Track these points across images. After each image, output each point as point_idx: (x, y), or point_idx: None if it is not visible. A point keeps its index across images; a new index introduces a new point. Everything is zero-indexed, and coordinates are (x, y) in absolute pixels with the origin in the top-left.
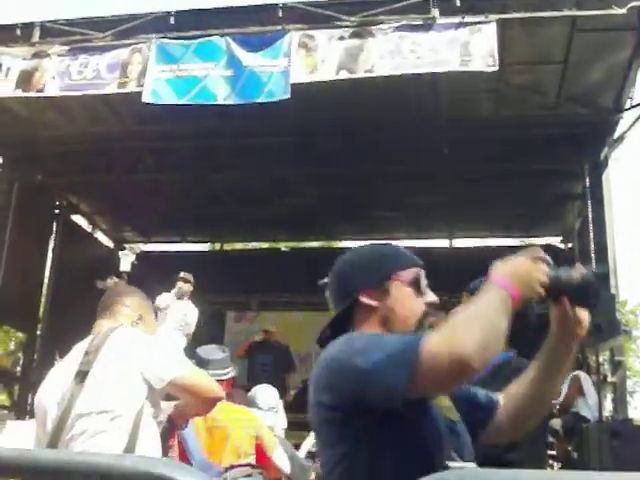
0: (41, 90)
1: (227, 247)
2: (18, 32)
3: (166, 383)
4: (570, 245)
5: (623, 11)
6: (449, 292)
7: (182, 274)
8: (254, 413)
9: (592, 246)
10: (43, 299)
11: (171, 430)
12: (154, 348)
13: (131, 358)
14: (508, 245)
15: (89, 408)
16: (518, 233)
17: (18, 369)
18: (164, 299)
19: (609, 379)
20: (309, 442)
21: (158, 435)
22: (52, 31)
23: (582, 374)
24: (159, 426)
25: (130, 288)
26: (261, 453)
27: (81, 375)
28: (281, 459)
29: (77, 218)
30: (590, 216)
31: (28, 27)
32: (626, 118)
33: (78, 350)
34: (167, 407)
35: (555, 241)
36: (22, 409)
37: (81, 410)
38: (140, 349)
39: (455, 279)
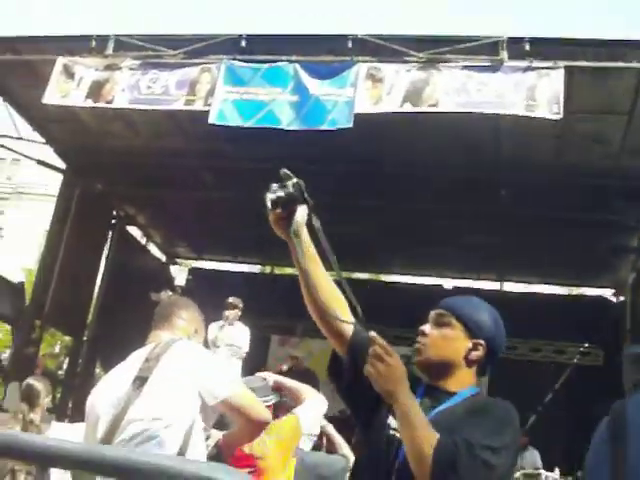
0: (110, 101)
1: (277, 271)
2: (93, 43)
3: (219, 401)
4: (622, 299)
5: None
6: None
7: (230, 299)
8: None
9: None
10: (92, 306)
11: (217, 459)
12: (213, 365)
13: (190, 371)
14: (559, 293)
15: (143, 414)
16: (569, 282)
17: (60, 372)
18: (210, 331)
19: None
20: None
21: (205, 450)
22: (126, 45)
23: None
24: (206, 449)
25: (186, 301)
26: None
27: (140, 381)
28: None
29: (132, 229)
30: None
31: (103, 39)
32: None
33: (137, 357)
34: (216, 435)
35: (607, 293)
36: (63, 412)
37: (135, 415)
38: (200, 364)
39: (504, 323)
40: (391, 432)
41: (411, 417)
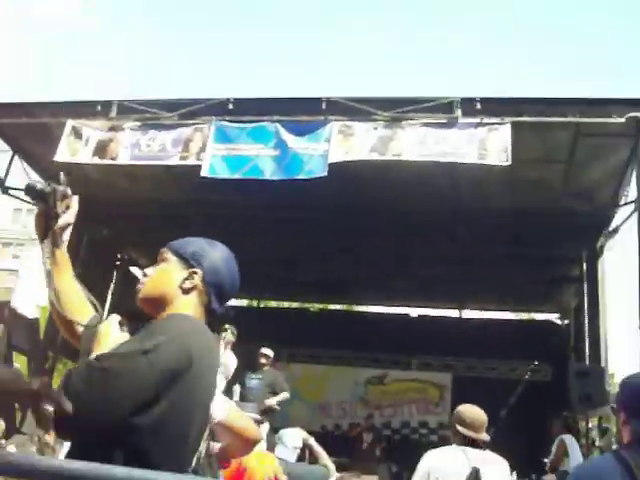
0: (114, 158)
1: (263, 304)
2: (98, 108)
3: (214, 422)
4: (567, 322)
5: (622, 120)
6: (457, 356)
7: (227, 326)
8: (279, 452)
9: (586, 323)
10: None
11: (210, 466)
12: None
13: None
14: (511, 319)
15: None
16: (521, 308)
17: None
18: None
19: (597, 443)
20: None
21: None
22: (127, 109)
23: (567, 438)
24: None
25: None
26: None
27: None
28: None
29: (134, 270)
30: (585, 297)
31: (107, 104)
32: (620, 213)
33: None
34: (213, 448)
35: (553, 317)
36: None
37: None
38: None
39: (463, 345)
40: None
41: None
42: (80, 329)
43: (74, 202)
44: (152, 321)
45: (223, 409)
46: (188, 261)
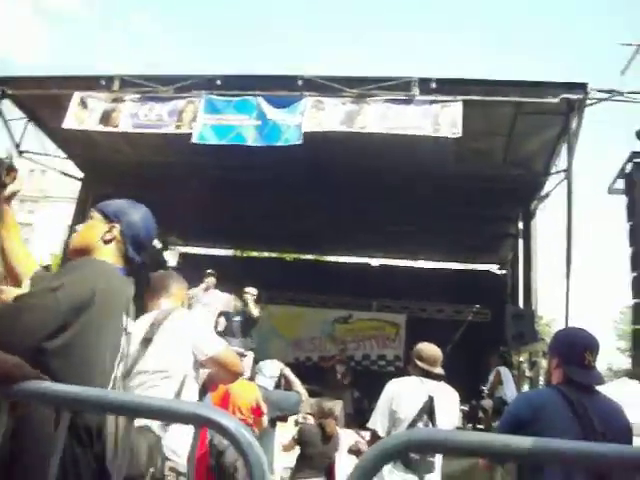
0: (116, 126)
1: (245, 254)
2: (103, 82)
3: (207, 357)
4: (504, 272)
5: (556, 100)
6: (411, 299)
7: (209, 270)
8: (259, 381)
9: (520, 273)
10: None
11: (204, 392)
12: (202, 329)
13: (185, 335)
14: (457, 268)
15: (149, 367)
16: (466, 259)
17: None
18: (192, 292)
19: (527, 374)
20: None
21: (197, 393)
22: (128, 82)
23: (502, 369)
24: (198, 387)
25: (178, 277)
26: (257, 411)
27: (146, 342)
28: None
29: None
30: (520, 251)
31: (110, 79)
32: (552, 180)
33: (144, 321)
34: (202, 374)
35: (493, 268)
36: None
37: (142, 368)
38: (192, 329)
39: (416, 291)
40: None
41: None
42: (26, 280)
43: (20, 174)
44: (65, 264)
45: (216, 347)
46: (109, 217)
